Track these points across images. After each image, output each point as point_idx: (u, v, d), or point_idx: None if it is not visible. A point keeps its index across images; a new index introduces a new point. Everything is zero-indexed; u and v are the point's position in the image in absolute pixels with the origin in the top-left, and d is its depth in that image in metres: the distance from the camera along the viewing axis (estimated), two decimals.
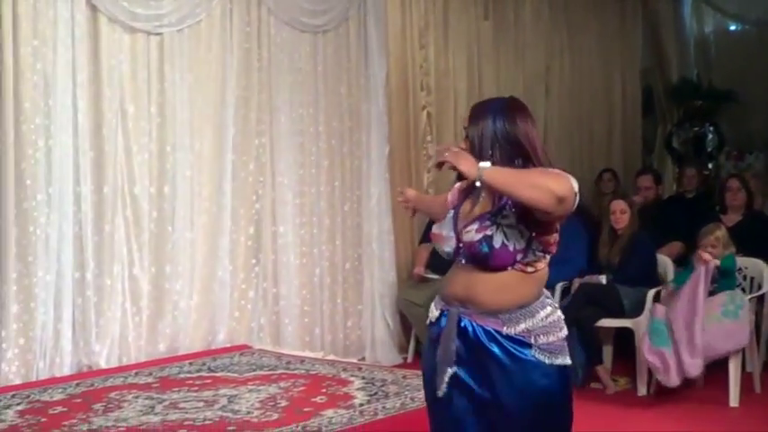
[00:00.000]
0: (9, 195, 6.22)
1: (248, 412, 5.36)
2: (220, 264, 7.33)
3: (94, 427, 5.11)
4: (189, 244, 7.16)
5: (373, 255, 8.17)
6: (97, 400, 5.65)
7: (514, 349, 3.41)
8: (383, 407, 5.45)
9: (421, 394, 5.67)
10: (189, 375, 6.33)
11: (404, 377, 6.21)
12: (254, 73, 7.54)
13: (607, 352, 7.77)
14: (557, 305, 3.54)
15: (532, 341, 3.42)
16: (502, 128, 3.44)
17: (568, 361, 3.50)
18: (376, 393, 5.77)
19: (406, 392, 5.76)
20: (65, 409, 5.48)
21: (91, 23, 6.63)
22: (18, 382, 6.20)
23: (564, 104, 10.55)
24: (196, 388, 5.96)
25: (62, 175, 6.47)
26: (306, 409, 5.38)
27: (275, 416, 5.28)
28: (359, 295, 8.17)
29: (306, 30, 7.84)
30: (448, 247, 3.54)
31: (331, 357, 7.46)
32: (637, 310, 7.51)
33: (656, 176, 9.74)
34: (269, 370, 6.45)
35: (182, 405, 5.54)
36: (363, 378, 6.18)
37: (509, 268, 3.40)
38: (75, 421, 5.22)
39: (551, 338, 3.45)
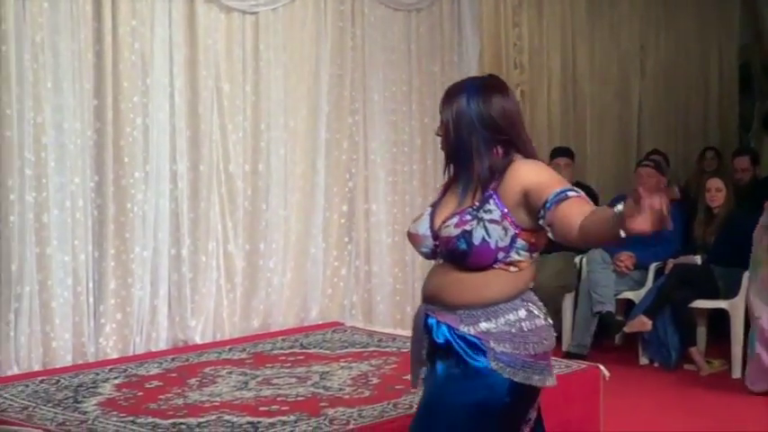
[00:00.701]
0: (108, 173, 6.32)
1: (340, 389, 5.40)
2: (313, 241, 7.38)
3: (189, 401, 5.19)
4: (283, 221, 7.22)
5: None
6: (192, 375, 5.74)
7: (464, 352, 3.14)
8: None
9: None
10: (282, 352, 6.38)
11: None
12: (348, 52, 7.56)
13: (701, 333, 7.69)
14: (543, 314, 3.24)
15: (490, 345, 3.12)
16: (476, 109, 3.17)
17: (534, 381, 3.18)
18: None
19: None
20: (160, 384, 5.57)
21: (187, 3, 6.68)
22: (115, 356, 6.31)
23: (659, 82, 10.43)
24: (289, 364, 6.02)
25: (159, 153, 6.56)
26: (397, 387, 5.40)
27: (367, 393, 5.31)
28: None
29: (399, 8, 7.84)
30: (424, 247, 3.30)
31: None
32: (732, 292, 7.42)
33: (754, 157, 9.56)
34: (361, 347, 6.49)
35: (274, 381, 5.59)
36: None
37: (490, 268, 3.14)
38: (170, 395, 5.31)
39: (513, 350, 3.12)
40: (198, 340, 6.72)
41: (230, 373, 5.79)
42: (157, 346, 6.53)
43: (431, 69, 8.06)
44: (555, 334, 3.33)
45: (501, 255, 3.12)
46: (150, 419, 4.83)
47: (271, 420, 4.78)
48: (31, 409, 5.04)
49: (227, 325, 6.93)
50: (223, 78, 6.88)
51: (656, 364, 7.68)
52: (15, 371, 5.88)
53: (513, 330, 3.14)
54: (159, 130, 6.55)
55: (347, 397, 5.23)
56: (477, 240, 3.11)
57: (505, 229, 3.11)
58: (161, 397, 5.27)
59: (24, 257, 5.93)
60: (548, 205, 2.99)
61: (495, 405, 3.13)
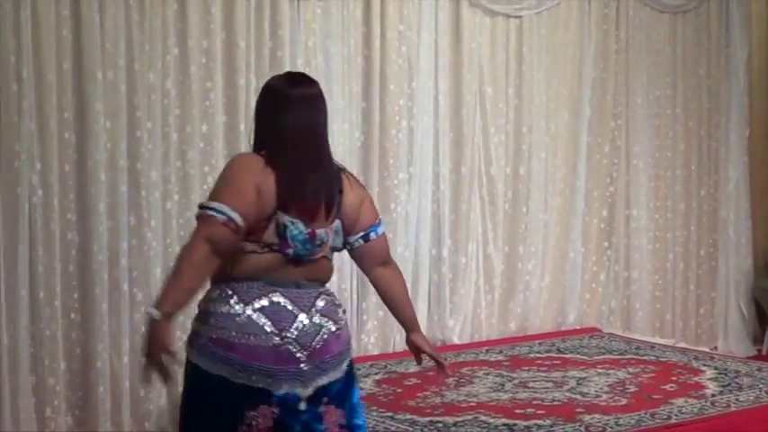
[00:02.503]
0: (373, 173, 6.50)
1: (596, 395, 5.39)
2: (572, 245, 7.36)
3: (446, 400, 5.30)
4: (542, 225, 7.24)
5: (729, 241, 7.95)
6: (450, 375, 5.82)
7: None
8: (736, 399, 5.34)
9: None
10: (538, 355, 6.42)
11: (758, 369, 6.05)
12: (612, 54, 7.49)
13: None
14: (242, 306, 3.14)
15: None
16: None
17: (204, 364, 3.13)
18: (729, 385, 5.65)
19: (761, 386, 5.61)
20: (418, 382, 5.69)
21: (453, 7, 6.80)
22: (376, 352, 6.48)
23: None
24: (545, 368, 6.04)
25: (423, 155, 6.69)
26: (655, 396, 5.36)
27: (623, 401, 5.28)
28: (713, 282, 7.97)
29: (665, 10, 7.71)
30: None
31: (682, 345, 7.34)
32: None
33: None
34: (618, 354, 6.44)
35: (531, 384, 5.63)
36: (716, 368, 6.06)
37: None
38: (428, 393, 5.43)
39: (193, 327, 3.22)
40: (456, 340, 6.82)
41: (487, 374, 5.87)
42: None
43: (696, 72, 7.89)
44: (265, 339, 3.18)
45: None
46: (408, 416, 4.97)
47: (526, 423, 4.83)
48: None
49: (485, 326, 6.99)
50: (486, 81, 6.96)
51: None
52: None
53: (201, 308, 3.22)
54: (423, 132, 6.68)
55: (603, 404, 5.22)
56: None
57: None
58: (419, 395, 5.40)
59: None
60: None
61: (184, 390, 3.24)
